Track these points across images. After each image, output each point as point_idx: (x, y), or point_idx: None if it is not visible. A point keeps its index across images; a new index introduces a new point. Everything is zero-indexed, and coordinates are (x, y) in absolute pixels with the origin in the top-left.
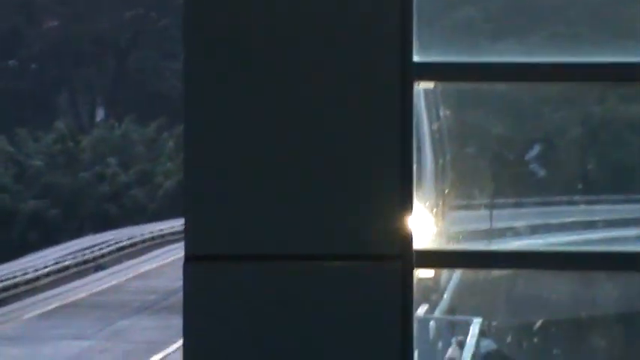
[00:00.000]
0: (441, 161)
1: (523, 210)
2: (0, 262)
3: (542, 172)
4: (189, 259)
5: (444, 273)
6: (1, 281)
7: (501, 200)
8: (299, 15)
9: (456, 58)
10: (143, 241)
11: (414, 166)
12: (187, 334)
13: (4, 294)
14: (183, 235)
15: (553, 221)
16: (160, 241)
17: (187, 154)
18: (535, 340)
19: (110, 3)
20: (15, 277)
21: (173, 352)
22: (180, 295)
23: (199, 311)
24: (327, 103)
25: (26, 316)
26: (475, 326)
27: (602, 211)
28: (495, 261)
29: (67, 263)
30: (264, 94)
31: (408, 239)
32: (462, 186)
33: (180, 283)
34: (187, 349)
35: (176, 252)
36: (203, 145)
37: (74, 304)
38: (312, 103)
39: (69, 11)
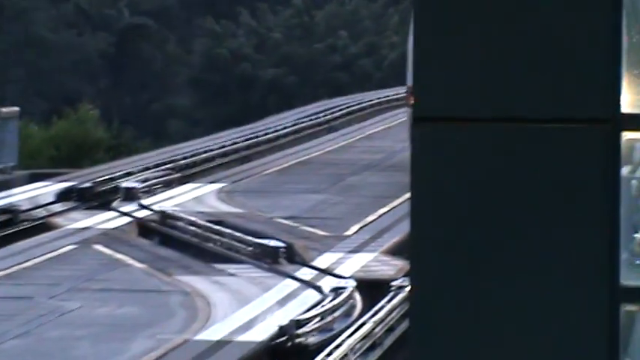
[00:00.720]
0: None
1: None
2: (243, 123)
3: None
4: (416, 121)
5: None
6: (245, 140)
7: None
8: None
9: None
10: (370, 106)
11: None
12: (414, 189)
13: (248, 152)
14: (406, 101)
15: None
16: (385, 106)
17: (417, 26)
18: None
19: None
20: (257, 137)
21: (398, 205)
22: (403, 155)
23: (425, 169)
24: None
25: (267, 172)
26: None
27: None
28: None
29: (302, 125)
30: None
31: (616, 105)
32: None
33: (403, 144)
34: (414, 201)
35: (399, 116)
36: (431, 16)
37: (309, 162)
38: None
39: None
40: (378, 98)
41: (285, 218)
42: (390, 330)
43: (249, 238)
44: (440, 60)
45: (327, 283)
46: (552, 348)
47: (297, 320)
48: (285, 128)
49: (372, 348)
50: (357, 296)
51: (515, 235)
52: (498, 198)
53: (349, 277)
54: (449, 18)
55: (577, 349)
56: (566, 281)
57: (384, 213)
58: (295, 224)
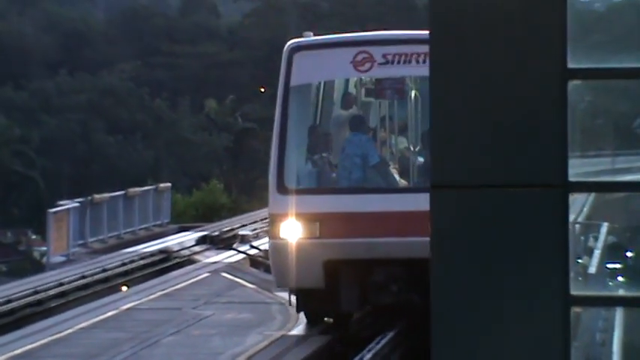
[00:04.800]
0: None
1: (633, 157)
2: None
3: None
4: (433, 187)
5: (584, 195)
6: None
7: (620, 151)
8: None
9: (596, 65)
10: None
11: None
12: (434, 236)
13: None
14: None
15: None
16: None
17: (435, 122)
18: None
19: None
20: None
21: None
22: None
23: (441, 228)
24: (511, 93)
25: None
26: (604, 227)
27: None
28: (620, 187)
29: None
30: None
31: (566, 175)
32: (594, 142)
33: None
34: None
35: None
36: (445, 111)
37: None
38: (506, 88)
39: None
40: None
41: None
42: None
43: None
44: (448, 143)
45: None
46: (527, 336)
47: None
48: None
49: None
50: None
51: (503, 263)
52: (490, 238)
53: None
54: (450, 124)
55: (543, 337)
56: (535, 292)
57: None
58: None
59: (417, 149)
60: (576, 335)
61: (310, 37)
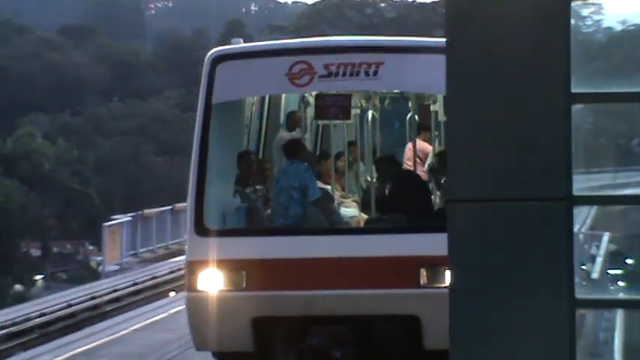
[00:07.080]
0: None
1: (632, 173)
2: None
3: None
4: (450, 202)
5: (587, 207)
6: None
7: (620, 167)
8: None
9: (598, 90)
10: None
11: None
12: (451, 258)
13: None
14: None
15: None
16: None
17: (451, 140)
18: None
19: None
20: None
21: None
22: None
23: (456, 239)
24: (521, 115)
25: None
26: (605, 237)
27: None
28: (620, 200)
29: None
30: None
31: (570, 189)
32: (597, 160)
33: None
34: (454, 268)
35: None
36: (460, 130)
37: None
38: (517, 110)
39: None
40: None
41: None
42: None
43: None
44: (462, 159)
45: None
46: (537, 337)
47: None
48: None
49: None
50: None
51: (514, 270)
52: (502, 248)
53: None
54: (465, 142)
55: (551, 337)
56: (543, 296)
57: None
58: None
59: (373, 180)
60: (581, 335)
61: (238, 45)
